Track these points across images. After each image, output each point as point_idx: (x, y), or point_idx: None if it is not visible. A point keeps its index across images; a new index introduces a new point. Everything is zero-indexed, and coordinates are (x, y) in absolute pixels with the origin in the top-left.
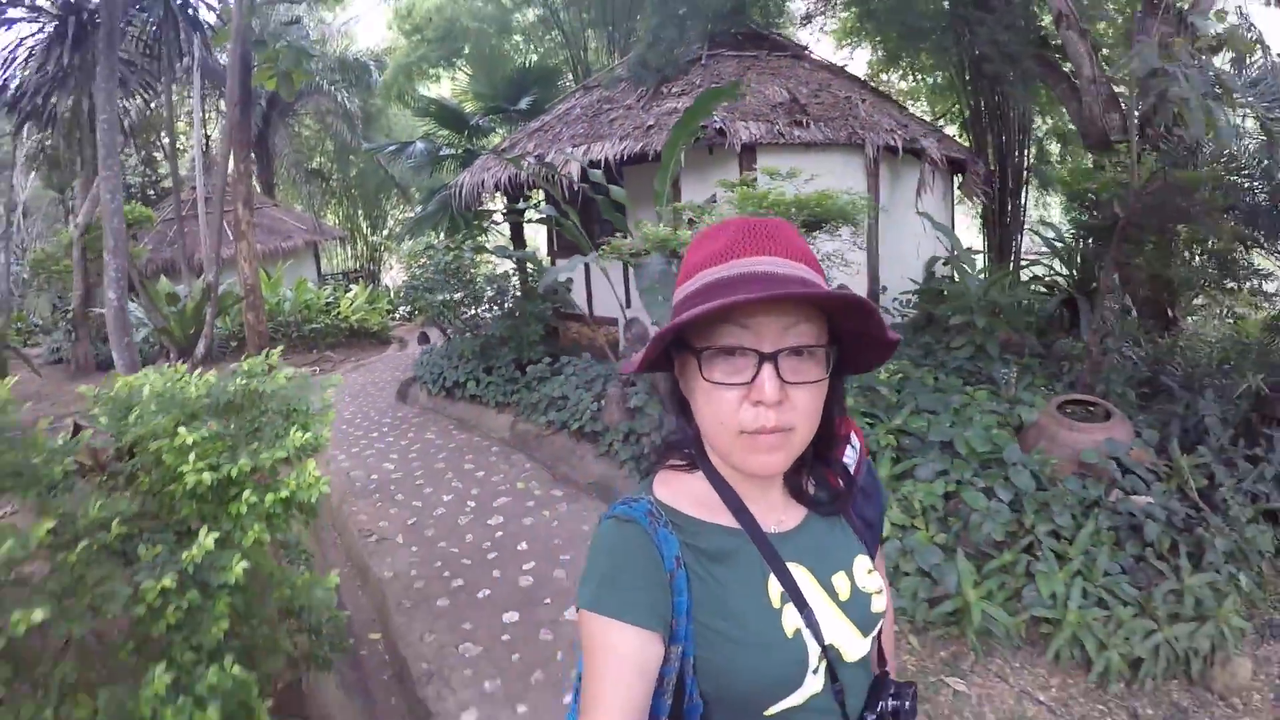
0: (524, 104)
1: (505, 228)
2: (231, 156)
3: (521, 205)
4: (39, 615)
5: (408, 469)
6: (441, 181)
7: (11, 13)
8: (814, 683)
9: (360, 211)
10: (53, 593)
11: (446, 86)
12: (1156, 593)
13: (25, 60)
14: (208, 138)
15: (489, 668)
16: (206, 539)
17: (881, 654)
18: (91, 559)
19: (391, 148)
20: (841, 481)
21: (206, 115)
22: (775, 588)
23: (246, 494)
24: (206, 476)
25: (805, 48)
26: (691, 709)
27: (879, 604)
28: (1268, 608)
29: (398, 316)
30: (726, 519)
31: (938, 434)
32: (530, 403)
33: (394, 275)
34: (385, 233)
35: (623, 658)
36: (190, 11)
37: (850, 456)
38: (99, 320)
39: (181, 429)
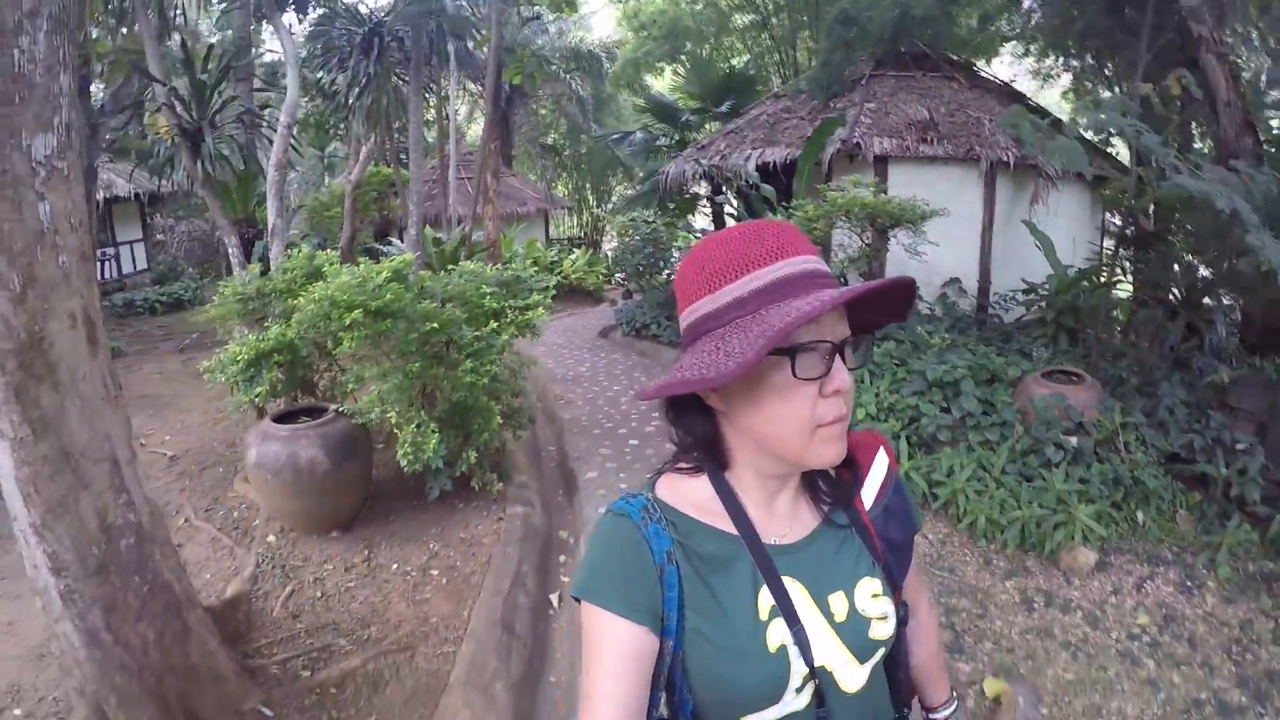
0: (725, 107)
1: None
2: (485, 138)
3: (709, 193)
4: (438, 325)
5: (594, 372)
6: (657, 166)
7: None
8: (794, 702)
9: (587, 185)
10: (436, 324)
11: (670, 78)
12: (1027, 486)
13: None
14: (457, 114)
15: (612, 459)
16: (492, 325)
17: (908, 689)
18: (449, 322)
19: (615, 136)
20: (849, 479)
21: (458, 95)
22: (766, 600)
23: (510, 315)
24: (494, 304)
25: (972, 64)
26: (683, 704)
27: (880, 630)
28: (1162, 545)
29: (613, 281)
30: (725, 525)
31: (919, 366)
32: None
33: (614, 244)
34: (609, 206)
35: (614, 645)
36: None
37: (878, 470)
38: (357, 259)
39: (484, 286)
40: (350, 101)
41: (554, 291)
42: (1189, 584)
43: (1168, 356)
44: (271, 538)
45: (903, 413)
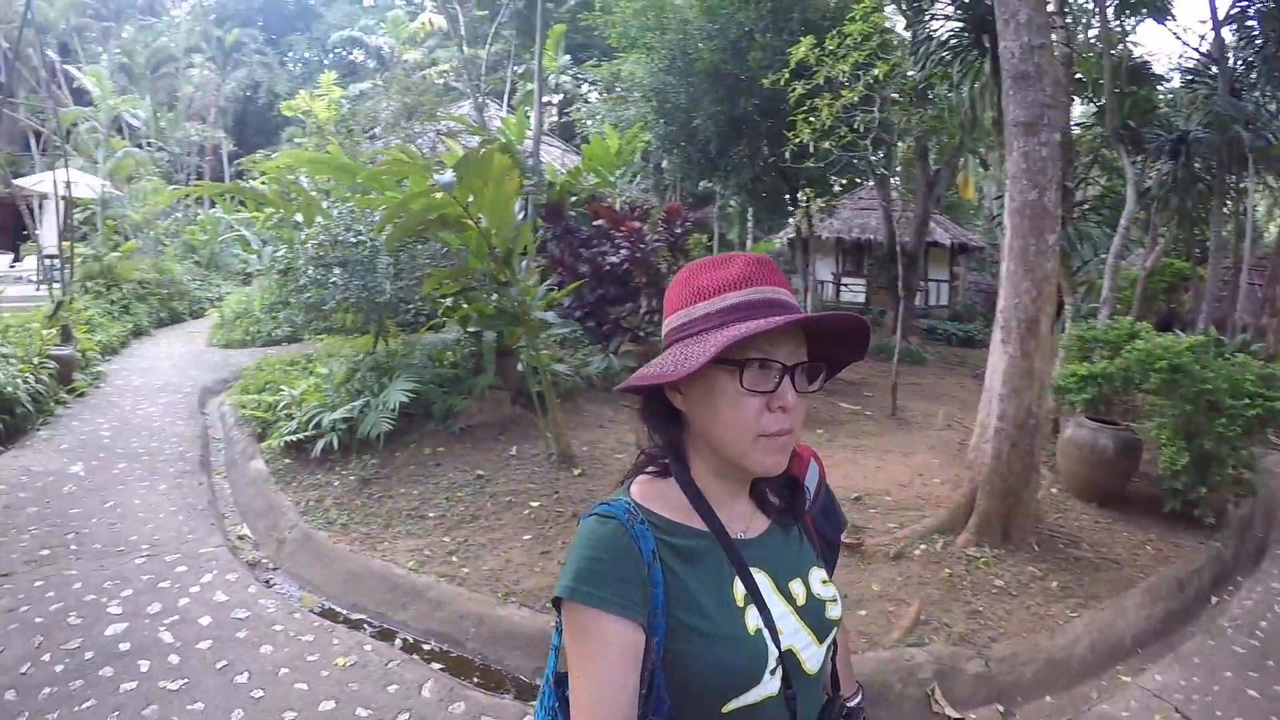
0: None
1: None
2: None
3: None
4: (1210, 387)
5: None
6: None
7: None
8: (770, 684)
9: None
10: (1209, 386)
11: None
12: None
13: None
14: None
15: None
16: (1245, 402)
17: (835, 678)
18: (1218, 391)
19: None
20: (795, 495)
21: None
22: (739, 589)
23: (1260, 401)
24: (1252, 389)
25: None
26: (659, 705)
27: (833, 611)
28: None
29: None
30: (697, 522)
31: None
32: None
33: None
34: None
35: (607, 644)
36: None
37: (811, 478)
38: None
39: (1249, 375)
40: (1156, 198)
41: None
42: None
43: None
44: (1054, 490)
45: None
